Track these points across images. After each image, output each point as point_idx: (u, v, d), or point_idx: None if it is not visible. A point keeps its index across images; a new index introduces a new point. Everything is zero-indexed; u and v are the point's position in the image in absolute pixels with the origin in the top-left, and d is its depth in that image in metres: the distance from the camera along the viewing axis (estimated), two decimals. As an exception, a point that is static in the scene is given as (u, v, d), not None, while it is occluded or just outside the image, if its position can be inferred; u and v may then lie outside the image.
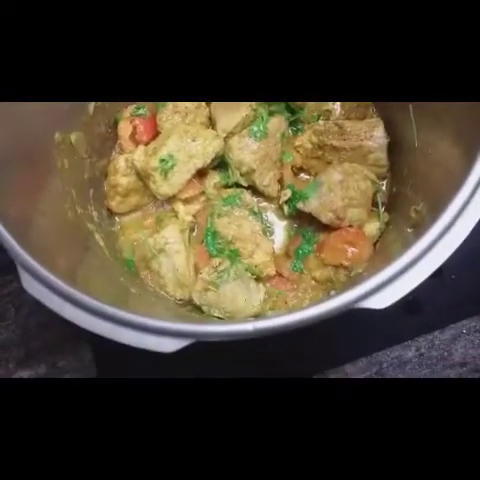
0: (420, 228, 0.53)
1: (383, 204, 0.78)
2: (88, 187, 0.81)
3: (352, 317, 0.50)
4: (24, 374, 0.77)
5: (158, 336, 0.50)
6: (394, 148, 0.78)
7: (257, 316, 0.73)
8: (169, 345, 0.49)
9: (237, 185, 0.80)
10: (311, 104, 0.82)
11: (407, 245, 0.52)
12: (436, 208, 0.53)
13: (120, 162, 0.80)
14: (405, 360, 0.77)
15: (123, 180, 0.80)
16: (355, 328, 0.66)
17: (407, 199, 0.71)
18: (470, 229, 0.51)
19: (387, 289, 0.51)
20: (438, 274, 0.53)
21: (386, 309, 0.50)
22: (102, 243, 0.77)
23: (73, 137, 0.77)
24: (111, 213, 0.83)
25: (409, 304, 0.50)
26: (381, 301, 0.51)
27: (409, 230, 0.63)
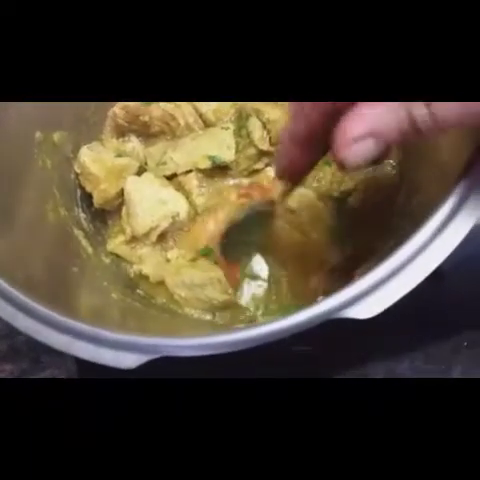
0: (413, 225, 0.46)
1: None
2: (75, 188, 0.77)
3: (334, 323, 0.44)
4: (7, 368, 0.76)
5: (115, 350, 0.45)
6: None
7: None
8: (127, 360, 0.45)
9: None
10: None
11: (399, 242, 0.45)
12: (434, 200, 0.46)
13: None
14: (396, 373, 0.69)
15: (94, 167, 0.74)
16: (337, 335, 0.57)
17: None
18: (471, 225, 0.44)
19: (373, 296, 0.44)
20: (439, 276, 0.46)
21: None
22: (89, 247, 0.74)
23: (56, 136, 0.75)
24: (102, 213, 0.79)
25: (403, 309, 0.44)
26: (366, 310, 0.44)
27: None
